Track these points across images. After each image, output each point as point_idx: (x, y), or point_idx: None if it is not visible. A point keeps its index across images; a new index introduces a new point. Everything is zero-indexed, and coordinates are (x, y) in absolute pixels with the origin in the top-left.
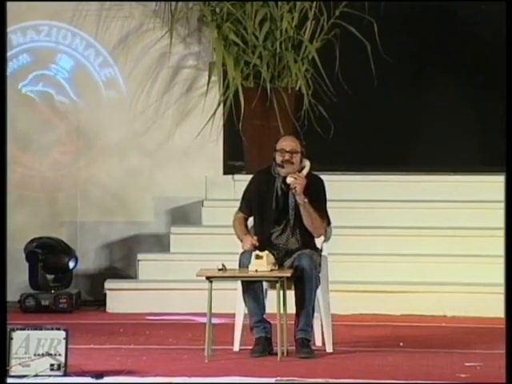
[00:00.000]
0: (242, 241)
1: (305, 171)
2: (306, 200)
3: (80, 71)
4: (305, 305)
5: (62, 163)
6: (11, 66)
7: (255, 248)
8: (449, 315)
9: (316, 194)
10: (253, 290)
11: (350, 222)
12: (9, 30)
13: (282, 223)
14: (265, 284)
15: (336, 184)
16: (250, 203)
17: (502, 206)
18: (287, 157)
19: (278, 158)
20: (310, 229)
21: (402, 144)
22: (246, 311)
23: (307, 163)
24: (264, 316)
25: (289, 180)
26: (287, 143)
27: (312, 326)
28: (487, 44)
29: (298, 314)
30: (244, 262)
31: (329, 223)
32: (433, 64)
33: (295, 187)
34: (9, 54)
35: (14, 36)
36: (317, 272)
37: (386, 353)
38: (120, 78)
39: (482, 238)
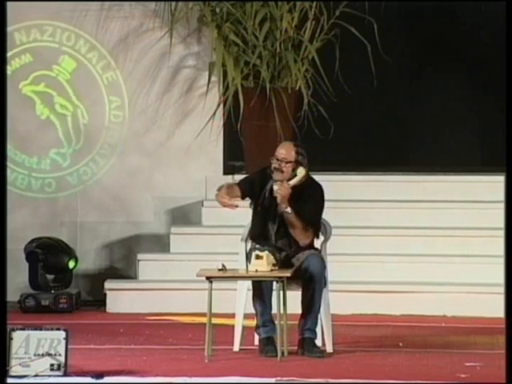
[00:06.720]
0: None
1: (293, 181)
2: (288, 210)
3: (81, 72)
4: (314, 305)
5: (62, 163)
6: (13, 65)
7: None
8: (449, 315)
9: (309, 201)
10: (261, 290)
11: (349, 221)
12: (12, 28)
13: (275, 222)
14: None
15: (336, 184)
16: (250, 188)
17: (502, 206)
18: (276, 165)
19: (272, 164)
20: (294, 237)
21: (402, 144)
22: (254, 311)
23: (300, 172)
24: (272, 316)
25: (274, 187)
26: (280, 151)
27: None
28: (487, 44)
29: (305, 314)
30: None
31: (317, 235)
32: (433, 64)
33: (277, 196)
34: (11, 52)
35: (17, 34)
36: (325, 273)
37: (386, 353)
38: (120, 77)
39: (482, 238)
